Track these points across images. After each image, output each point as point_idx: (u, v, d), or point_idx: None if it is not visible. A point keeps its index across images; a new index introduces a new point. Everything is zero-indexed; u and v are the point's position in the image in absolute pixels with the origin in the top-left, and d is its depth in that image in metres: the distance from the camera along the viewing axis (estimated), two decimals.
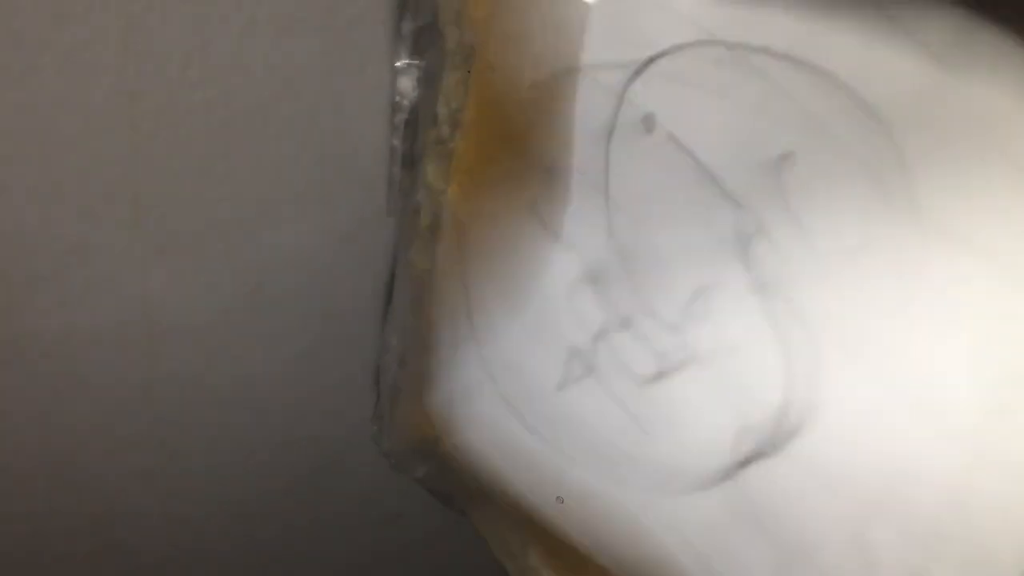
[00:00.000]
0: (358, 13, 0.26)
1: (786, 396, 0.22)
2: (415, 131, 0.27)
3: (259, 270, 0.28)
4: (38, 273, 0.26)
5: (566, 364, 0.25)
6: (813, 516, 0.21)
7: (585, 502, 0.26)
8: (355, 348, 0.31)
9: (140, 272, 0.27)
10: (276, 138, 0.27)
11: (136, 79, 0.24)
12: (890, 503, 0.20)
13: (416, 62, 0.27)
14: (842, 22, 0.20)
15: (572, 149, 0.24)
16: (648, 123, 0.23)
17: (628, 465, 0.24)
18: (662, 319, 0.23)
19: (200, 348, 0.29)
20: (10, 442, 0.28)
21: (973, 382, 0.20)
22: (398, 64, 0.27)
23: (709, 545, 0.23)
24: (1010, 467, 0.19)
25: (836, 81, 0.20)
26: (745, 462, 0.22)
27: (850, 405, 0.21)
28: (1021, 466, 0.19)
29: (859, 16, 0.20)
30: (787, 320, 0.22)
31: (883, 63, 0.20)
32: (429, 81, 0.26)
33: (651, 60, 0.22)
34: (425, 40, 0.26)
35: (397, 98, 0.27)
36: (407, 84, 0.27)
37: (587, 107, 0.24)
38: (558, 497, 0.26)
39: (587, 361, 0.25)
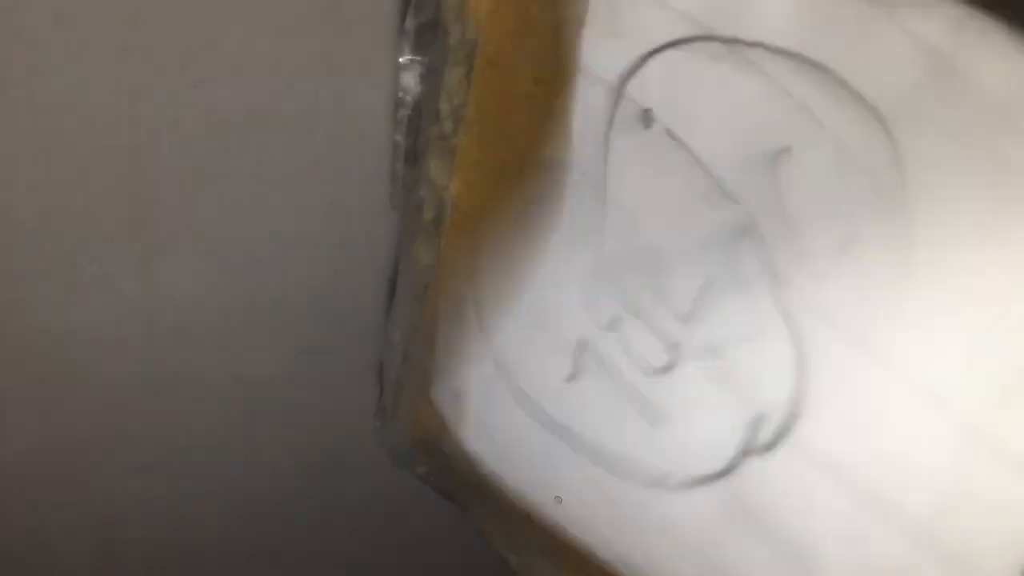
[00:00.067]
0: (361, 10, 0.26)
1: (787, 390, 0.22)
2: (418, 127, 0.27)
3: (261, 268, 0.29)
4: (39, 273, 0.26)
5: (575, 356, 0.25)
6: (809, 511, 0.22)
7: (586, 499, 0.26)
8: (358, 344, 0.31)
9: (140, 272, 0.27)
10: (278, 135, 0.27)
11: (136, 79, 0.24)
12: (886, 499, 0.20)
13: (419, 58, 0.27)
14: (839, 16, 0.20)
15: (572, 144, 0.24)
16: (646, 118, 0.23)
17: (631, 459, 0.24)
18: (670, 311, 0.23)
19: (200, 347, 0.29)
20: (10, 441, 0.28)
21: (969, 378, 0.20)
22: (401, 60, 0.27)
23: (708, 541, 0.23)
24: (1007, 463, 0.19)
25: (832, 76, 0.20)
26: (744, 456, 0.22)
27: (846, 401, 0.21)
28: (1018, 462, 0.19)
29: (856, 10, 0.20)
30: (783, 315, 0.22)
31: (880, 58, 0.20)
32: (432, 77, 0.26)
33: (649, 55, 0.23)
34: (428, 36, 0.26)
35: (400, 94, 0.27)
36: (410, 80, 0.27)
37: (586, 102, 0.24)
38: (556, 497, 0.26)
39: (597, 352, 0.25)
